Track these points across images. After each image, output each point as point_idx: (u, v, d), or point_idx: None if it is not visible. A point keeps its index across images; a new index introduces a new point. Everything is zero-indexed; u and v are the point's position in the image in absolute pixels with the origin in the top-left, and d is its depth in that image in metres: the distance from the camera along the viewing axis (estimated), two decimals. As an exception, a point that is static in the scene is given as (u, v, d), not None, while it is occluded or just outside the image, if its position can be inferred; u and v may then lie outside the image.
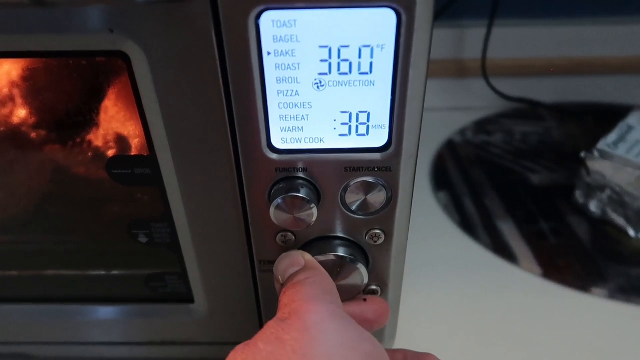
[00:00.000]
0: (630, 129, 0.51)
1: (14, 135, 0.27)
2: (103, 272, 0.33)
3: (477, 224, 0.51)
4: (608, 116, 0.58)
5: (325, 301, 0.23)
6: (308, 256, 0.27)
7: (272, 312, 0.32)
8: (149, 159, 0.26)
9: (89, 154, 0.27)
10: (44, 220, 0.32)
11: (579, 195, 0.52)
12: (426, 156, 0.61)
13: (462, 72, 0.68)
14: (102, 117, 0.26)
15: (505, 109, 0.69)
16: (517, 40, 0.66)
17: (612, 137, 0.50)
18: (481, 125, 0.66)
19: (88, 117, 0.26)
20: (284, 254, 0.28)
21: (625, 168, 0.47)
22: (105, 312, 0.34)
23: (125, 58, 0.23)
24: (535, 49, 0.66)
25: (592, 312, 0.43)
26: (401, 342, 0.37)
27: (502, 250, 0.48)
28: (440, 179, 0.57)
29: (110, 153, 0.27)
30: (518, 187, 0.56)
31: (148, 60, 0.22)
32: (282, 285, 0.26)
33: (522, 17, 0.65)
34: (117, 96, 0.25)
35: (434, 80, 0.71)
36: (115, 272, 0.33)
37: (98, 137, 0.27)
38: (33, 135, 0.28)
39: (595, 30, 0.66)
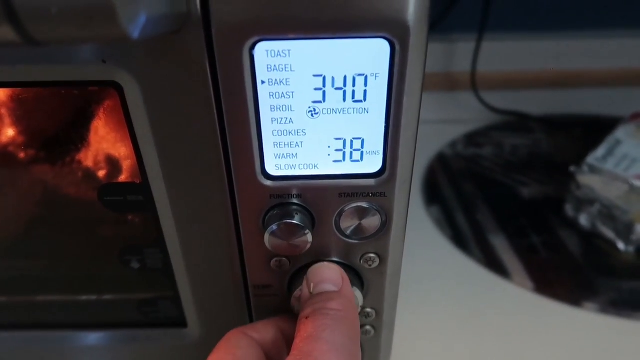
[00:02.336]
0: (618, 142, 0.51)
1: (2, 158, 0.27)
2: (94, 297, 0.32)
3: (469, 238, 0.51)
4: (596, 128, 0.59)
5: (347, 355, 0.22)
6: (346, 278, 0.26)
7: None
8: (141, 186, 0.26)
9: (81, 180, 0.27)
10: (33, 245, 0.31)
11: (569, 209, 0.52)
12: (417, 170, 0.61)
13: (452, 85, 0.69)
14: (94, 145, 0.26)
15: (495, 121, 0.69)
16: (506, 53, 0.67)
17: (600, 151, 0.50)
18: (471, 138, 0.67)
19: (79, 146, 0.26)
20: (324, 264, 0.26)
21: (614, 182, 0.48)
22: (97, 337, 0.33)
23: (117, 88, 0.22)
24: (523, 62, 0.67)
25: (585, 326, 0.43)
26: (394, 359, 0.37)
27: (495, 265, 0.48)
28: (432, 193, 0.58)
29: (105, 180, 0.27)
30: (509, 201, 0.56)
31: (141, 90, 0.22)
32: (310, 294, 0.25)
33: (511, 31, 0.66)
34: (109, 125, 0.24)
35: (424, 93, 0.71)
36: (106, 297, 0.32)
37: (92, 164, 0.27)
38: (23, 158, 0.27)
39: (583, 43, 0.67)
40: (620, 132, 0.53)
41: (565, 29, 0.67)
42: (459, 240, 0.51)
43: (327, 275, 0.26)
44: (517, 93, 0.69)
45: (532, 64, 0.67)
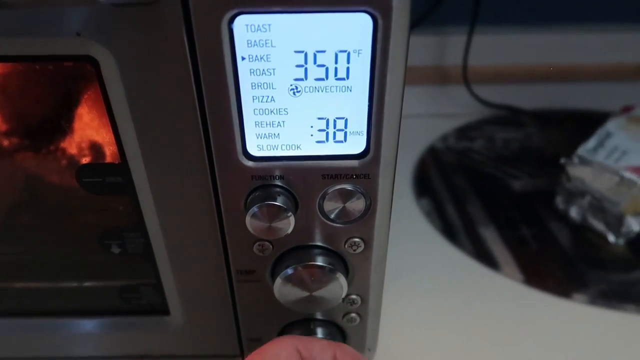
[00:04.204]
0: (608, 135, 0.51)
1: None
2: (75, 284, 0.32)
3: (459, 230, 0.51)
4: (587, 122, 0.58)
5: None
6: None
7: (249, 323, 0.31)
8: (120, 167, 0.25)
9: (60, 162, 0.27)
10: (13, 231, 0.31)
11: (559, 201, 0.52)
12: (408, 162, 0.61)
13: (444, 78, 0.68)
14: (73, 124, 0.25)
15: (487, 115, 0.69)
16: (497, 47, 0.66)
17: (591, 143, 0.50)
18: (463, 132, 0.67)
19: (58, 125, 0.25)
20: (351, 349, 0.26)
21: (605, 174, 0.47)
22: (78, 325, 0.32)
23: (93, 63, 0.22)
24: (515, 56, 0.67)
25: (574, 317, 0.43)
26: (382, 351, 0.36)
27: (484, 256, 0.48)
28: (423, 186, 0.57)
29: (83, 161, 0.26)
30: (500, 193, 0.56)
31: (117, 65, 0.22)
32: None
33: (503, 24, 0.66)
34: (87, 102, 0.24)
35: (415, 87, 0.71)
36: (87, 284, 0.32)
37: (69, 145, 0.26)
38: (3, 142, 0.27)
39: (575, 38, 0.66)
40: (611, 125, 0.52)
41: (557, 23, 0.67)
42: (449, 232, 0.51)
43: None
44: (508, 87, 0.69)
45: (524, 57, 0.67)
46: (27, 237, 0.30)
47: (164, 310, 0.32)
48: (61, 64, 0.22)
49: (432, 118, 0.68)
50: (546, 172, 0.58)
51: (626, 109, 0.55)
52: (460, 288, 0.45)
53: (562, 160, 0.50)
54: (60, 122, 0.25)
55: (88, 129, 0.25)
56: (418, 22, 0.61)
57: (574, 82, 0.69)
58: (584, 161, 0.48)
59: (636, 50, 0.67)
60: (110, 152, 0.25)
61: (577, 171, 0.49)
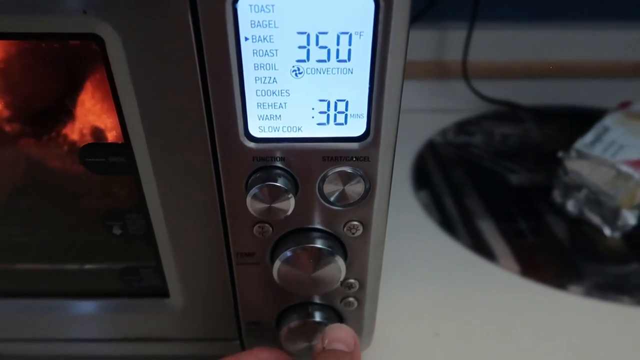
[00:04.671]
0: (606, 129, 0.51)
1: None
2: (76, 266, 0.32)
3: (457, 223, 0.51)
4: (585, 119, 0.59)
5: None
6: (358, 345, 0.28)
7: (248, 307, 0.31)
8: (123, 146, 0.25)
9: (64, 143, 0.27)
10: (15, 213, 0.31)
11: (556, 195, 0.52)
12: (407, 156, 0.61)
13: (443, 73, 0.69)
14: (77, 103, 0.25)
15: (486, 110, 0.69)
16: (497, 43, 0.67)
17: (588, 137, 0.50)
18: (462, 127, 0.67)
19: (62, 106, 0.25)
20: (342, 325, 0.29)
21: (601, 167, 0.48)
22: (79, 307, 0.33)
23: (99, 42, 0.22)
24: (514, 52, 0.67)
25: (570, 309, 0.43)
26: (380, 340, 0.37)
27: (482, 248, 0.48)
28: (421, 179, 0.58)
29: (86, 140, 0.26)
30: (498, 187, 0.56)
31: (123, 44, 0.22)
32: (323, 349, 0.27)
33: (503, 21, 0.66)
34: (91, 82, 0.24)
35: (415, 81, 0.71)
36: (89, 266, 0.32)
37: (73, 125, 0.26)
38: (6, 127, 0.27)
39: (574, 35, 0.67)
40: (608, 120, 0.53)
41: (557, 20, 0.67)
42: (447, 225, 0.51)
43: (342, 335, 0.27)
44: (507, 83, 0.69)
45: (523, 54, 0.67)
46: (30, 219, 0.31)
47: (164, 293, 0.32)
48: (67, 43, 0.23)
49: (431, 113, 0.68)
50: (543, 167, 0.58)
51: (624, 105, 0.55)
52: (457, 279, 0.46)
53: (560, 154, 0.50)
54: (65, 102, 0.25)
55: (92, 109, 0.25)
56: (418, 16, 0.62)
57: (572, 79, 0.69)
58: (581, 155, 0.49)
59: (634, 48, 0.68)
60: (113, 131, 0.25)
61: (574, 165, 0.49)
